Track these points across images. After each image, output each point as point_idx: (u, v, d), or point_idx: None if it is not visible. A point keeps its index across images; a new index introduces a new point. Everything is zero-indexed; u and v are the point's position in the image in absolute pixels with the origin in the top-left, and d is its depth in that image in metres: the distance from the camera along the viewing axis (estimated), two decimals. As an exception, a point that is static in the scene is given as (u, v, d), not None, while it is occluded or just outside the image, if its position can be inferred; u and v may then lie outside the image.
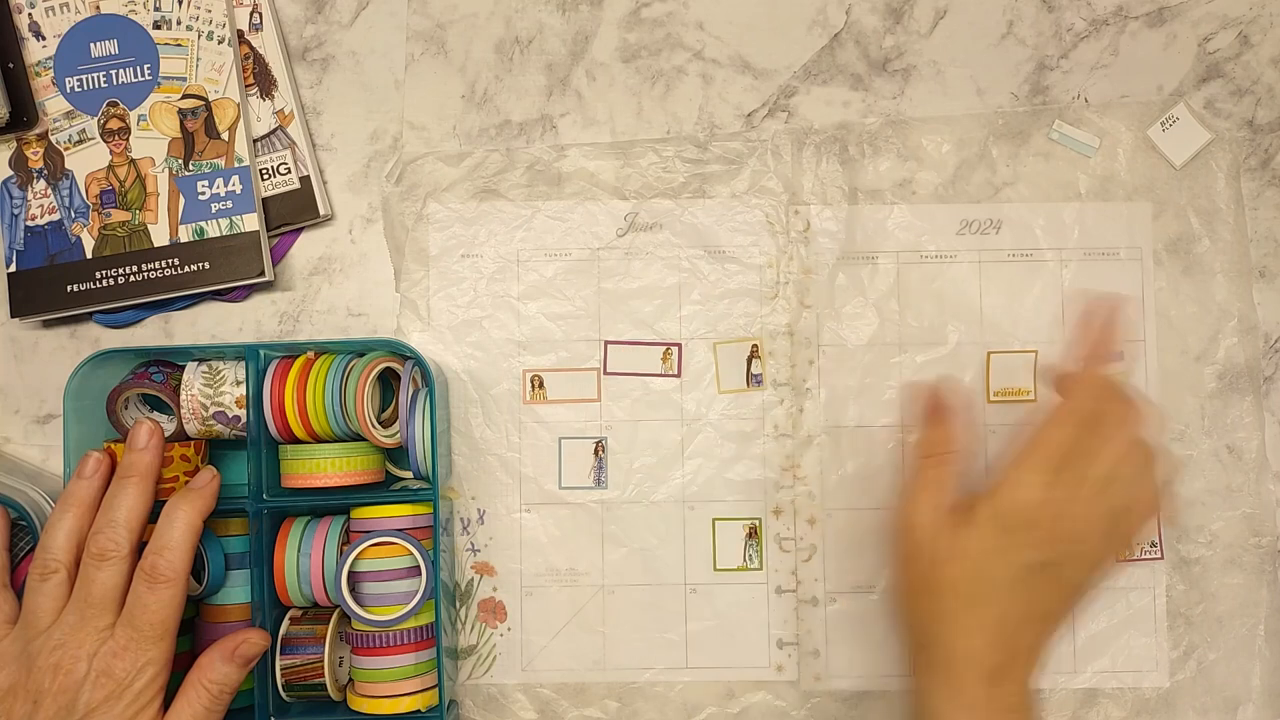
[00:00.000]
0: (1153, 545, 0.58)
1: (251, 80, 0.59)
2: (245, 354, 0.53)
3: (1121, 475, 0.48)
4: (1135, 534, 0.50)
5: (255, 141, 0.59)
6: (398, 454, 0.57)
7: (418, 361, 0.53)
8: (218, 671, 0.48)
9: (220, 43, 0.58)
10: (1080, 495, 0.48)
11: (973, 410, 0.58)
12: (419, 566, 0.52)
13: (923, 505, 0.50)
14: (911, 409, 0.58)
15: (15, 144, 0.58)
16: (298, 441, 0.53)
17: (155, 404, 0.56)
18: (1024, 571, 0.47)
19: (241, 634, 0.49)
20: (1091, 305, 0.52)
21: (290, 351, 0.55)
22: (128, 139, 0.58)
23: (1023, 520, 0.47)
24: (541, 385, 0.59)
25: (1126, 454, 0.49)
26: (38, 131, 0.58)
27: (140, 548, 0.48)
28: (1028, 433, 0.49)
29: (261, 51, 0.59)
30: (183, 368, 0.54)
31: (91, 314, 0.58)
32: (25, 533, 0.54)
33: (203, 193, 0.58)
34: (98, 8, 0.59)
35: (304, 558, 0.52)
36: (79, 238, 0.58)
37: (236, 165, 0.58)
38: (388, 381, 0.57)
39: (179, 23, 0.58)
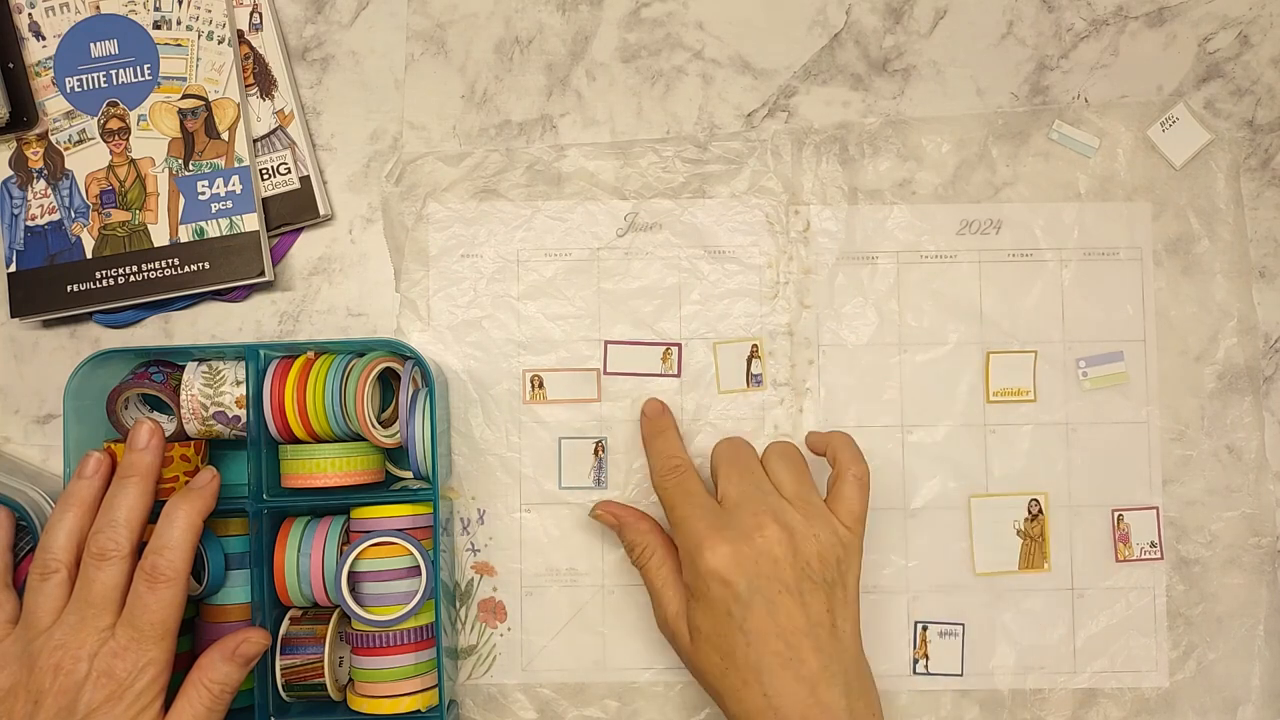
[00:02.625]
0: (1153, 545, 0.58)
1: (251, 80, 0.59)
2: (245, 354, 0.53)
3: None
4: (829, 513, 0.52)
5: (255, 141, 0.59)
6: (398, 454, 0.57)
7: (418, 361, 0.53)
8: (218, 671, 0.48)
9: (220, 43, 0.58)
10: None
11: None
12: (419, 566, 0.52)
13: (666, 598, 0.52)
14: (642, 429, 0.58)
15: (15, 144, 0.58)
16: (298, 441, 0.53)
17: (155, 404, 0.56)
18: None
19: (242, 633, 0.49)
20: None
21: (290, 351, 0.55)
22: (128, 139, 0.58)
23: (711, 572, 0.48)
24: (541, 385, 0.59)
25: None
26: (38, 131, 0.58)
27: (140, 548, 0.48)
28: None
29: (261, 51, 0.59)
30: (183, 368, 0.54)
31: (91, 314, 0.58)
32: (25, 533, 0.54)
33: (203, 193, 0.58)
34: (98, 8, 0.59)
35: (304, 558, 0.52)
36: (79, 238, 0.58)
37: (236, 165, 0.58)
38: (388, 381, 0.57)
39: (179, 23, 0.58)
